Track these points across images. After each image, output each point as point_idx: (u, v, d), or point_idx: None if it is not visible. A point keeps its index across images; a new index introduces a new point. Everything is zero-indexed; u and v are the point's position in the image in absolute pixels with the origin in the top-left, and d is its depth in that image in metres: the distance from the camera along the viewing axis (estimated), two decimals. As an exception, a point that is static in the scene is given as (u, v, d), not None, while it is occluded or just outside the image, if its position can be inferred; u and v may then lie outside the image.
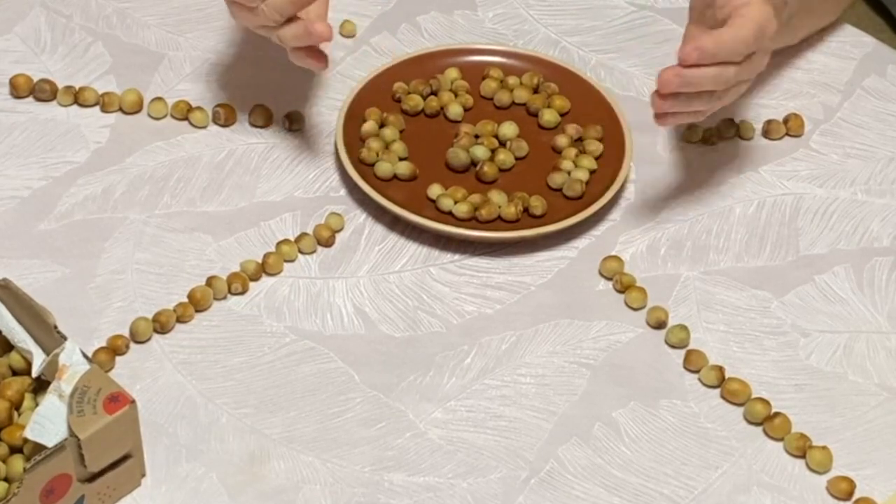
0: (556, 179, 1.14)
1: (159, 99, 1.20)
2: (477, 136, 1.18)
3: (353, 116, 1.17)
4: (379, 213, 1.13)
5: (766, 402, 1.01)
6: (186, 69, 1.25)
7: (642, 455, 0.98)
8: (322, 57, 1.10)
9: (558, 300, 1.08)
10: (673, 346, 1.05)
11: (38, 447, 0.87)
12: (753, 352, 1.05)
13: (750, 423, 1.01)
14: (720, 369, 1.03)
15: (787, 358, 1.05)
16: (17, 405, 0.94)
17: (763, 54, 1.06)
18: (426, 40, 1.29)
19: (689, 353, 1.04)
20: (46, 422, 0.87)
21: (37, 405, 0.92)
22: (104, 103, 1.20)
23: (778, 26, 1.08)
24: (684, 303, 1.09)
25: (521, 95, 1.21)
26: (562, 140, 1.17)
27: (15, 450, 0.92)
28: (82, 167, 1.16)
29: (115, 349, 1.02)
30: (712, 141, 1.20)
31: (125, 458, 0.92)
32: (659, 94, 1.04)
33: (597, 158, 1.16)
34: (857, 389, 1.03)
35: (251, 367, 1.02)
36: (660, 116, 1.07)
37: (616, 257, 1.11)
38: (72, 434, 0.87)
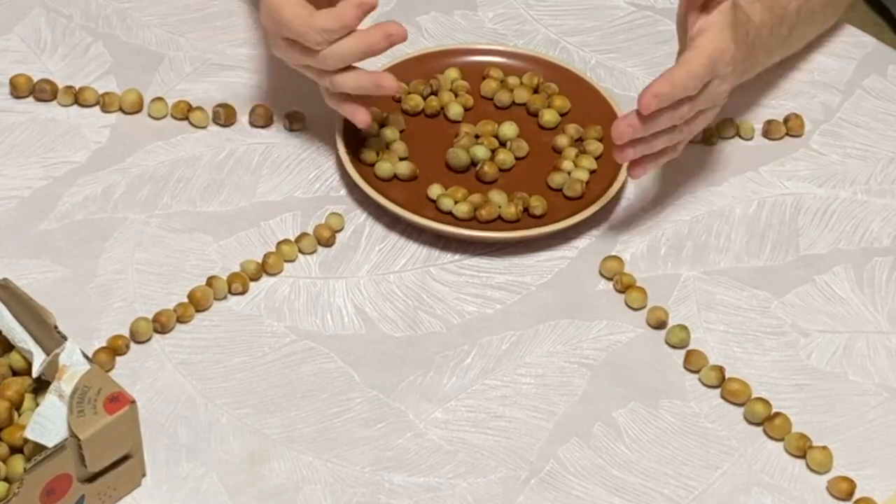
0: (556, 179, 1.14)
1: (159, 99, 1.20)
2: (477, 136, 1.17)
3: (354, 116, 1.17)
4: (379, 213, 1.13)
5: (766, 402, 1.01)
6: (186, 69, 1.25)
7: (642, 455, 0.98)
8: (368, 111, 1.10)
9: (558, 300, 1.08)
10: (673, 346, 1.05)
11: (39, 447, 0.87)
12: (753, 352, 1.05)
13: (750, 423, 1.01)
14: (720, 369, 1.03)
15: (787, 358, 1.05)
16: (17, 405, 0.94)
17: (722, 81, 1.05)
18: (426, 40, 1.29)
19: (689, 353, 1.04)
20: (46, 422, 0.87)
21: (37, 405, 0.92)
22: (104, 103, 1.20)
23: (749, 49, 1.08)
24: (684, 303, 1.09)
25: (522, 95, 1.21)
26: (562, 140, 1.17)
27: (15, 450, 0.92)
28: (82, 167, 1.15)
29: (115, 349, 1.02)
30: (712, 141, 1.20)
31: (125, 458, 0.92)
32: (618, 146, 1.04)
33: (597, 158, 1.16)
34: (857, 389, 1.03)
35: (251, 367, 1.02)
36: (632, 167, 1.07)
37: (616, 257, 1.11)
38: (72, 434, 0.87)
